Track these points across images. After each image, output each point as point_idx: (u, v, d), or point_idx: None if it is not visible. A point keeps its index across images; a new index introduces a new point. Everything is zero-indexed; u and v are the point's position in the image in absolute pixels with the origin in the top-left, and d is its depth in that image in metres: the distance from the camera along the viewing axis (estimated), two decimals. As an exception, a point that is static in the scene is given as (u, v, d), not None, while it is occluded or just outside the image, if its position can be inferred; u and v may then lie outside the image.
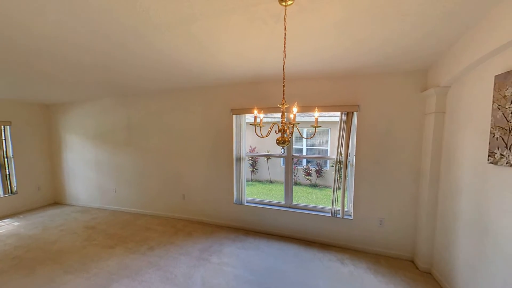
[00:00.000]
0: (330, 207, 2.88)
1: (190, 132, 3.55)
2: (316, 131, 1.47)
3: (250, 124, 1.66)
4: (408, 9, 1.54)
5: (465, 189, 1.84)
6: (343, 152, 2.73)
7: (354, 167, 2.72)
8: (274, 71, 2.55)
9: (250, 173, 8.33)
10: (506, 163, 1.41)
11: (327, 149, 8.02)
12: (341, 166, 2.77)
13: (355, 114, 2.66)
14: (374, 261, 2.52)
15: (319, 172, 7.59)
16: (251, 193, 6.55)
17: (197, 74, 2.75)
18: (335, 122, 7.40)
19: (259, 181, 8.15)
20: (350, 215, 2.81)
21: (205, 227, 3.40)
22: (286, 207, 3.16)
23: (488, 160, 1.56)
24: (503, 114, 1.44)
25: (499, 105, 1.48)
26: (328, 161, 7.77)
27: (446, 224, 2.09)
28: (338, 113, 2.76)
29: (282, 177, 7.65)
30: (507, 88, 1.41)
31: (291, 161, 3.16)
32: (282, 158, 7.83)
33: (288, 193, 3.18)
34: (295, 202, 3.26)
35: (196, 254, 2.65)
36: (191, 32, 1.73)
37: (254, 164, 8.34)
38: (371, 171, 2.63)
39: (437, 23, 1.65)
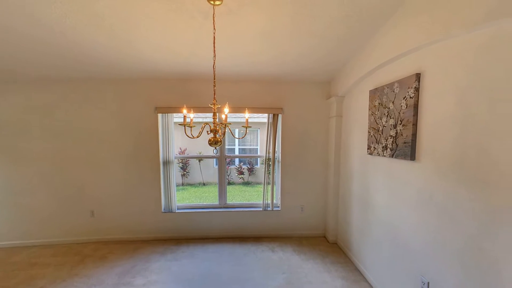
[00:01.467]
0: (262, 202, 3.11)
1: (102, 133, 2.88)
2: (247, 131, 1.55)
3: (179, 124, 1.54)
4: (315, 31, 1.87)
5: (355, 174, 2.44)
6: (271, 150, 3.01)
7: (280, 163, 3.05)
8: (204, 69, 2.48)
9: (180, 177, 7.74)
10: (377, 153, 1.97)
11: (257, 148, 8.62)
12: (270, 163, 3.05)
13: (280, 116, 2.99)
14: (298, 243, 2.92)
15: (251, 170, 8.03)
16: (183, 198, 6.11)
17: (109, 63, 2.29)
18: (264, 123, 8.06)
19: (191, 185, 7.71)
20: (279, 206, 3.13)
21: (126, 246, 2.88)
22: (221, 207, 3.15)
23: (367, 152, 2.13)
24: (374, 118, 2.01)
25: (372, 112, 2.05)
26: (258, 159, 8.33)
27: (345, 202, 2.70)
28: (266, 115, 3.01)
29: (215, 178, 7.54)
30: (376, 100, 1.98)
31: (224, 161, 3.18)
32: (215, 159, 7.74)
33: (222, 193, 3.18)
34: (229, 201, 3.30)
35: (114, 280, 2.20)
36: (94, 10, 1.42)
37: (184, 167, 7.81)
38: (294, 166, 3.04)
39: (334, 45, 2.10)
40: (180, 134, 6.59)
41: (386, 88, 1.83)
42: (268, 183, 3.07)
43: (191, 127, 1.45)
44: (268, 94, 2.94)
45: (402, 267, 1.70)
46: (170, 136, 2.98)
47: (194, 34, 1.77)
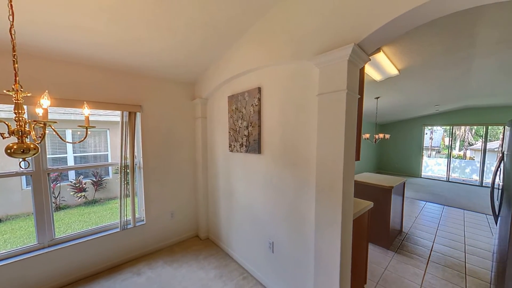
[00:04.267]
0: (119, 220, 2.50)
1: None
2: (89, 132, 1.16)
3: None
4: (176, 28, 1.82)
5: (220, 170, 2.72)
6: (128, 156, 2.50)
7: (142, 169, 2.63)
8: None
9: None
10: (236, 150, 2.34)
11: (107, 154, 6.71)
12: (128, 170, 2.52)
13: (139, 114, 2.57)
14: (169, 253, 2.71)
15: (98, 184, 6.14)
16: None
17: None
18: (116, 122, 6.46)
19: (-38, 228, 4.35)
20: (143, 220, 2.69)
21: None
22: (43, 248, 2.10)
23: (229, 149, 2.46)
24: (233, 120, 2.36)
25: (231, 115, 2.38)
26: (110, 168, 6.58)
27: (214, 197, 2.92)
28: (119, 112, 2.44)
29: (26, 208, 4.90)
30: (233, 104, 2.33)
31: (46, 178, 2.14)
32: (24, 177, 4.98)
33: (43, 226, 2.12)
34: (61, 234, 2.30)
35: None
36: None
37: None
38: (159, 170, 2.76)
39: (197, 49, 2.18)
40: None
41: (240, 95, 2.22)
42: (127, 195, 2.53)
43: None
44: (123, 87, 2.41)
45: (257, 236, 2.17)
46: None
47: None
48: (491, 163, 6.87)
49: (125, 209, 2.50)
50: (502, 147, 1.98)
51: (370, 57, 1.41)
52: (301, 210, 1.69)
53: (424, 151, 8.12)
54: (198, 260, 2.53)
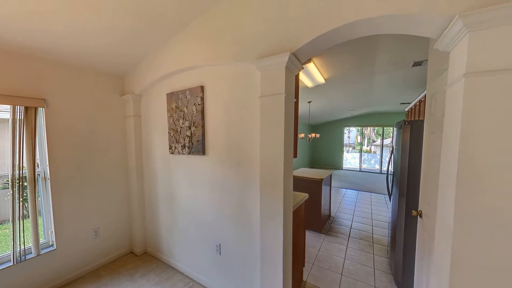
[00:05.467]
0: (11, 251, 1.88)
1: None
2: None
3: None
4: (98, 9, 1.53)
5: (159, 174, 2.46)
6: (26, 164, 1.91)
7: (49, 180, 2.07)
8: None
9: None
10: (177, 152, 2.17)
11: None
12: (25, 183, 1.92)
13: (42, 110, 2.00)
14: (93, 279, 2.24)
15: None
16: None
17: None
18: (3, 120, 4.80)
19: None
20: (52, 245, 2.12)
21: None
22: None
23: (169, 151, 2.26)
24: (173, 120, 2.18)
25: (170, 114, 2.19)
26: (-6, 181, 4.84)
27: (152, 205, 2.61)
28: (8, 107, 1.83)
29: None
30: (173, 103, 2.15)
31: None
32: None
33: None
34: None
35: None
36: None
37: None
38: (76, 180, 2.24)
39: (127, 37, 1.90)
40: None
41: (180, 93, 2.07)
42: (25, 217, 1.93)
43: None
44: (18, 75, 1.82)
45: (203, 241, 2.09)
46: None
47: None
48: (386, 155, 9.05)
49: (20, 234, 1.90)
50: (392, 143, 2.64)
51: (303, 66, 1.59)
52: (247, 207, 1.74)
53: (344, 148, 9.87)
54: (134, 280, 2.21)
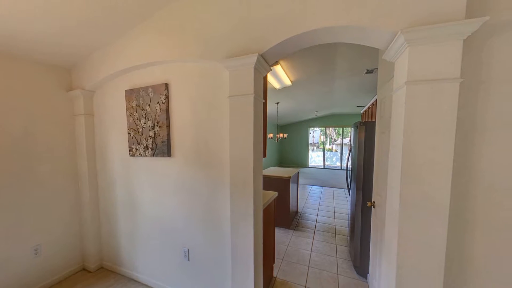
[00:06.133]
0: None
1: None
2: None
3: None
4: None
5: (117, 179, 2.23)
6: None
7: (-32, 192, 1.67)
8: None
9: None
10: (139, 154, 2.00)
11: None
12: None
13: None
14: (33, 305, 1.90)
15: None
16: None
17: None
18: None
19: None
20: (-27, 271, 1.73)
21: None
22: None
23: (129, 153, 2.06)
24: (133, 119, 2.00)
25: (130, 112, 2.01)
26: None
27: (109, 214, 2.35)
28: None
29: None
30: (133, 101, 1.97)
31: None
32: None
33: None
34: None
35: None
36: None
37: None
38: (10, 188, 1.87)
39: (76, 25, 1.67)
40: None
41: (142, 91, 1.91)
42: None
43: None
44: None
45: (170, 247, 1.97)
46: None
47: None
48: (346, 153, 9.95)
49: None
50: (350, 142, 2.92)
51: (271, 68, 1.64)
52: (217, 209, 1.71)
53: (309, 147, 10.49)
54: (87, 300, 1.95)
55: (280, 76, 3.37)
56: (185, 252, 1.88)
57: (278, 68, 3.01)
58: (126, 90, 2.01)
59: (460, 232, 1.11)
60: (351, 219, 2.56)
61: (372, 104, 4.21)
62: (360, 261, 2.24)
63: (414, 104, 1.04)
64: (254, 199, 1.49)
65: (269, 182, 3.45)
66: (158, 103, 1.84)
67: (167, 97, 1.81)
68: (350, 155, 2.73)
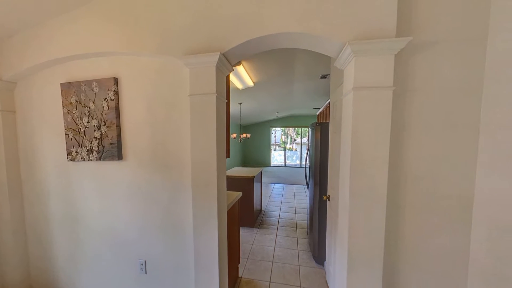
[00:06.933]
0: None
1: None
2: None
3: None
4: None
5: (52, 190, 1.87)
6: None
7: None
8: None
9: None
10: (81, 158, 1.72)
11: None
12: None
13: None
14: None
15: None
16: None
17: None
18: None
19: None
20: None
21: None
22: None
23: (67, 158, 1.76)
24: (72, 118, 1.71)
25: (68, 110, 1.71)
26: None
27: (40, 233, 1.95)
28: None
29: None
30: (72, 96, 1.69)
31: None
32: None
33: None
34: None
35: None
36: None
37: None
38: None
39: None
40: None
41: (83, 85, 1.65)
42: None
43: None
44: None
45: (124, 261, 1.76)
46: None
47: None
48: (305, 151, 10.70)
49: None
50: (308, 141, 3.14)
51: (233, 68, 1.63)
52: (178, 214, 1.61)
53: (272, 146, 10.87)
54: None
55: (242, 77, 3.39)
56: (141, 265, 1.71)
57: (240, 69, 3.02)
58: (62, 84, 1.70)
59: (394, 216, 1.32)
60: (310, 212, 2.76)
61: (326, 107, 4.64)
62: (318, 250, 2.43)
63: (359, 107, 1.19)
64: (218, 200, 1.46)
65: (233, 183, 3.43)
66: (105, 99, 1.62)
67: (116, 93, 1.61)
68: (308, 154, 2.95)
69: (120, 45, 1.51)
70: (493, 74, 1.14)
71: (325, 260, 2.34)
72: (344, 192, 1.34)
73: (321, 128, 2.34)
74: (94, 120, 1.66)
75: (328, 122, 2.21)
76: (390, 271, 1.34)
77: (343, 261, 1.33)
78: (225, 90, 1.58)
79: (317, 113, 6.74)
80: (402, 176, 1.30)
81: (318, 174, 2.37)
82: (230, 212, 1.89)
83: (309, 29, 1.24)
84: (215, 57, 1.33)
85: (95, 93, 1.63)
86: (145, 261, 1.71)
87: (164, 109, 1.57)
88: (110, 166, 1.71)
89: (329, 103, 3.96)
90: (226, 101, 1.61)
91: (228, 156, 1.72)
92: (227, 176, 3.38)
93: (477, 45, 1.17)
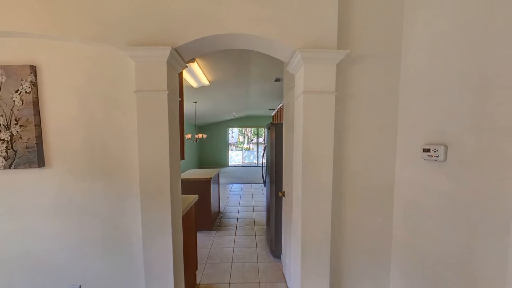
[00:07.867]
0: None
1: None
2: None
3: None
4: None
5: None
6: None
7: None
8: None
9: None
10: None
11: None
12: None
13: None
14: None
15: None
16: None
17: None
18: None
19: None
20: None
21: None
22: None
23: (-44, 167, 1.32)
24: (-36, 114, 1.29)
25: (-44, 103, 1.29)
26: None
27: None
28: None
29: None
30: (-37, 86, 1.28)
31: None
32: None
33: None
34: None
35: None
36: None
37: None
38: None
39: None
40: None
41: (-19, 71, 1.27)
42: None
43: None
44: None
45: (49, 293, 1.44)
46: None
47: None
48: (261, 151, 11.05)
49: None
50: (264, 141, 3.27)
51: (187, 65, 1.55)
52: (124, 225, 1.42)
53: (229, 147, 10.80)
54: None
55: (197, 74, 3.25)
56: (75, 290, 1.44)
57: (194, 66, 2.89)
58: None
59: (337, 205, 1.50)
60: (267, 209, 2.87)
61: (280, 108, 4.91)
62: (275, 245, 2.55)
63: (309, 109, 1.31)
64: (172, 206, 1.35)
65: (189, 186, 3.26)
66: (17, 92, 1.29)
67: (34, 84, 1.30)
68: (265, 153, 3.06)
69: (40, 25, 1.22)
70: (405, 85, 1.43)
71: (281, 253, 2.47)
72: (297, 187, 1.45)
73: (275, 129, 2.47)
74: (1, 117, 1.30)
75: (282, 123, 2.34)
76: (335, 256, 1.52)
77: (297, 251, 1.43)
78: (178, 87, 1.48)
79: (272, 114, 7.06)
80: (345, 170, 1.49)
81: (274, 172, 2.48)
82: (186, 217, 1.78)
83: (264, 33, 1.29)
84: (166, 51, 1.23)
85: (1, 83, 1.28)
86: (79, 286, 1.44)
87: (103, 105, 1.36)
88: (26, 176, 1.37)
89: (282, 105, 4.21)
90: (180, 99, 1.51)
91: (182, 158, 1.62)
92: (182, 179, 3.18)
93: (395, 60, 1.45)
